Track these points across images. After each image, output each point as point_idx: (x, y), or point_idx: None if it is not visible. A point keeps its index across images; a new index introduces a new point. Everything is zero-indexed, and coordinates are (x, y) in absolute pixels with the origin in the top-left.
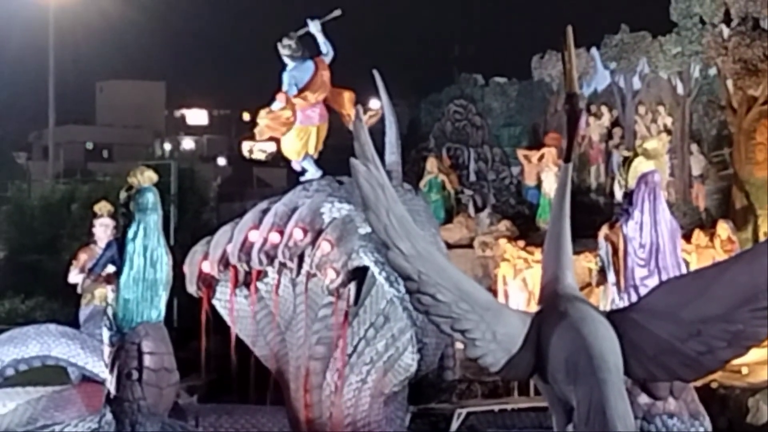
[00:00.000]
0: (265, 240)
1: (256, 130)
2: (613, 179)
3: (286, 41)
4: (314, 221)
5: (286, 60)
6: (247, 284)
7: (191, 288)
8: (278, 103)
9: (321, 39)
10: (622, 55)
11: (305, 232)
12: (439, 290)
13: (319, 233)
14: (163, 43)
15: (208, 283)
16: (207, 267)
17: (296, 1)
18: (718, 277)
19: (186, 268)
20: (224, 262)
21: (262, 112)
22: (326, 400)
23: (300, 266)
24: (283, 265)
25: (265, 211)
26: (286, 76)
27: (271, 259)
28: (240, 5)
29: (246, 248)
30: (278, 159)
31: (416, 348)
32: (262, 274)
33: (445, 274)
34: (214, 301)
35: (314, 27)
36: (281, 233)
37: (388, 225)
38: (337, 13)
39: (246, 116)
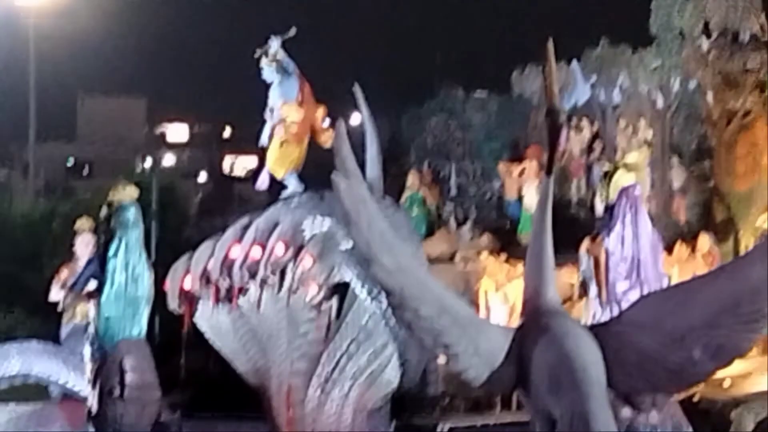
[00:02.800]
0: (247, 255)
1: (279, 140)
2: (594, 193)
3: (274, 56)
4: (296, 236)
5: (271, 75)
6: (228, 300)
7: (173, 304)
8: (278, 113)
9: (282, 55)
10: (602, 68)
11: (287, 247)
12: (421, 305)
13: (300, 248)
14: (143, 59)
15: (190, 299)
16: (188, 283)
17: (276, 18)
18: (700, 290)
19: (167, 285)
20: (206, 278)
21: (288, 115)
22: (308, 415)
23: (282, 281)
24: (264, 280)
25: (246, 227)
26: (277, 90)
27: (252, 275)
28: (220, 21)
29: (227, 264)
30: (259, 175)
31: (399, 363)
32: (243, 290)
33: (427, 289)
34: (196, 318)
35: (275, 44)
36: (263, 248)
37: (370, 239)
38: (293, 32)
39: (227, 132)
